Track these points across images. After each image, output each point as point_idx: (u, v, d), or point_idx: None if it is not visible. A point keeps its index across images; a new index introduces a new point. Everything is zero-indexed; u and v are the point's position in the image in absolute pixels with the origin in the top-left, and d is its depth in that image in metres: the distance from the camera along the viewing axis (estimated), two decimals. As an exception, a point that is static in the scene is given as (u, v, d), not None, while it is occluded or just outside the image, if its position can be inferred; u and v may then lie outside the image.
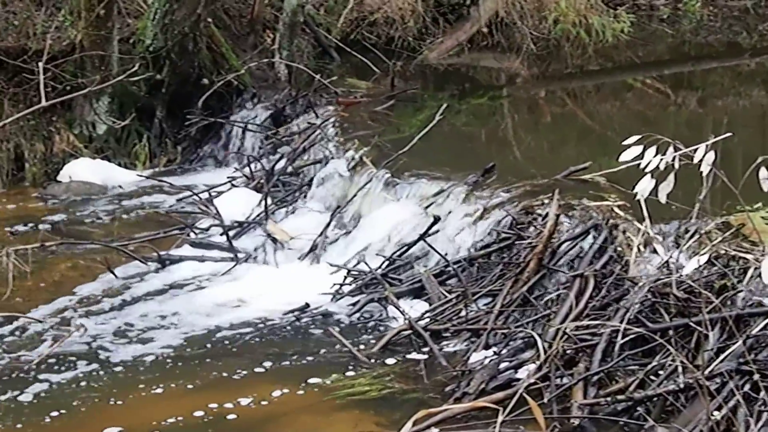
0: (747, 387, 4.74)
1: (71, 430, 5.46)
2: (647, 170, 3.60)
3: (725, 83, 13.15)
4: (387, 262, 7.27)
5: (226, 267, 7.73)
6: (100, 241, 8.13)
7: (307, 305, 6.89)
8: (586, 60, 13.56)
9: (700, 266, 5.20)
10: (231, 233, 8.18)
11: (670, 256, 5.77)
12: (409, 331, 6.30)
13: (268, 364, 6.11)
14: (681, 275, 5.45)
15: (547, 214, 6.62)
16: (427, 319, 6.49)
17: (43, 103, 8.34)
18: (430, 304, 6.70)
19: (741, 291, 5.30)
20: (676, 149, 3.60)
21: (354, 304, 6.90)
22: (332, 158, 8.96)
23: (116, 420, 5.46)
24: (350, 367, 6.01)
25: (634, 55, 14.14)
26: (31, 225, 8.82)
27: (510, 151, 9.68)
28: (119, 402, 5.71)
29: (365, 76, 11.78)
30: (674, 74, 13.69)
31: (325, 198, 8.61)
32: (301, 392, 5.74)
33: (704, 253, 5.37)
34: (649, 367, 5.19)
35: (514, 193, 7.30)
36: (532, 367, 5.53)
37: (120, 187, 9.88)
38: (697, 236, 5.86)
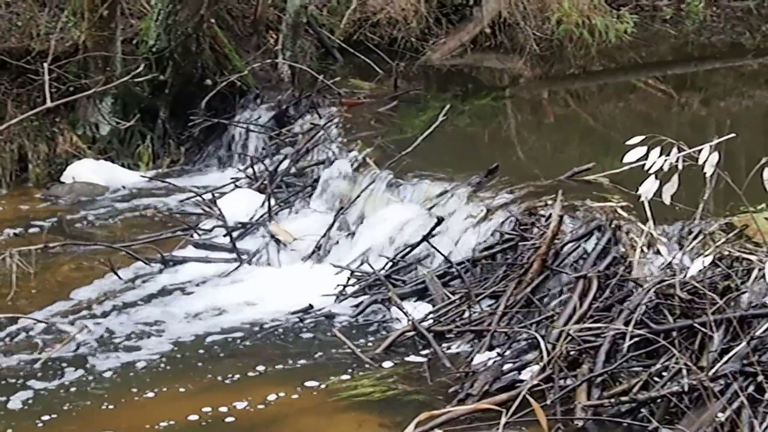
0: (751, 388, 4.74)
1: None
2: (651, 171, 3.59)
3: (728, 84, 13.12)
4: (390, 263, 7.27)
5: (229, 268, 7.73)
6: (103, 242, 8.13)
7: (311, 306, 6.89)
8: (589, 60, 13.53)
9: (704, 267, 5.18)
10: (234, 234, 8.18)
11: (674, 258, 5.76)
12: (413, 333, 6.31)
13: (271, 365, 6.10)
14: (685, 276, 5.44)
15: (550, 215, 6.61)
16: (431, 321, 6.49)
17: (48, 103, 8.35)
18: (434, 306, 6.69)
19: (745, 292, 5.29)
20: (679, 150, 3.60)
21: (357, 306, 6.90)
22: (335, 159, 8.95)
23: (149, 417, 5.50)
24: (353, 369, 6.00)
25: (637, 55, 14.10)
26: (34, 226, 8.82)
27: (513, 151, 9.66)
28: (142, 397, 5.74)
29: (368, 77, 11.76)
30: (677, 75, 13.66)
31: (329, 199, 8.60)
32: (304, 393, 5.74)
33: (708, 254, 5.33)
34: (653, 368, 5.19)
35: (517, 194, 7.30)
36: (536, 368, 5.52)
37: (123, 188, 9.87)
38: (700, 237, 5.86)
